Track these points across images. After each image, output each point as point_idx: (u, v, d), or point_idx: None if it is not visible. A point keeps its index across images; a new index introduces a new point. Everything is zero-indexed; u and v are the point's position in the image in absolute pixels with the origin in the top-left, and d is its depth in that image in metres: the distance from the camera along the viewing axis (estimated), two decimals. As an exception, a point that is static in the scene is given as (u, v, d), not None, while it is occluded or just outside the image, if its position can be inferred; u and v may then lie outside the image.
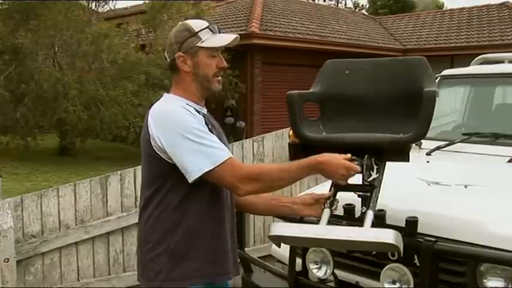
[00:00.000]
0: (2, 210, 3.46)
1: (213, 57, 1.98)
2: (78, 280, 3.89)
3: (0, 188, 3.58)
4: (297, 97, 2.39)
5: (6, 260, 3.42)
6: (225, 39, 1.99)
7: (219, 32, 2.01)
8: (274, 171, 1.98)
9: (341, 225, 2.16)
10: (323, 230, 1.96)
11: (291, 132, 2.42)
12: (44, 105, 10.97)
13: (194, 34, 1.96)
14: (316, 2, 24.41)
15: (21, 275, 3.63)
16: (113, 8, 14.92)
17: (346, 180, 2.00)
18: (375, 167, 2.15)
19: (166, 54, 2.04)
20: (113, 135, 11.71)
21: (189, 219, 1.92)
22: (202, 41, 1.96)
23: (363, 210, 2.11)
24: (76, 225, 3.85)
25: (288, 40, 13.53)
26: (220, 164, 1.85)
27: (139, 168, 4.12)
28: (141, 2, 16.98)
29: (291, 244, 2.41)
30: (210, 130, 1.94)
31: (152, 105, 2.00)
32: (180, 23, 2.06)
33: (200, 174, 1.84)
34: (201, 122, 1.92)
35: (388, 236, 1.84)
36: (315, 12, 16.75)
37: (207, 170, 1.84)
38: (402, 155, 2.23)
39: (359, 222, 2.11)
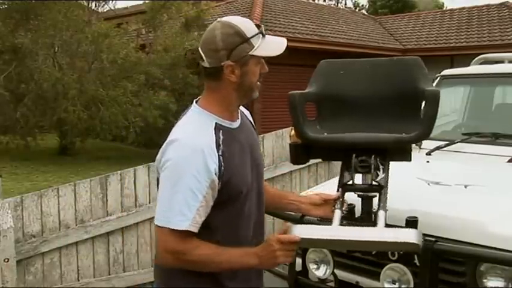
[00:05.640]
0: (2, 210, 3.46)
1: (259, 64, 1.77)
2: (78, 280, 3.90)
3: (0, 188, 3.58)
4: (299, 97, 2.38)
5: (6, 260, 3.42)
6: (279, 45, 1.79)
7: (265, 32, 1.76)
8: (206, 263, 1.66)
9: (354, 226, 2.12)
10: (342, 232, 1.90)
11: (292, 132, 2.40)
12: (44, 105, 10.95)
13: (246, 40, 1.69)
14: (316, 2, 24.40)
15: (21, 275, 3.63)
16: (112, 8, 14.90)
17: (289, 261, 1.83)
18: (381, 166, 2.15)
19: (205, 58, 1.70)
20: (112, 135, 11.70)
21: None
22: (255, 49, 1.71)
23: (374, 211, 2.10)
24: (76, 225, 3.85)
25: (288, 40, 13.29)
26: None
27: (139, 168, 4.12)
28: (141, 2, 17.01)
29: (307, 246, 2.37)
30: (227, 153, 1.68)
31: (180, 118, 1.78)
32: (225, 23, 1.71)
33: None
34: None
35: (410, 236, 1.80)
36: (315, 12, 16.75)
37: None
38: (405, 154, 2.25)
39: (359, 221, 2.12)
